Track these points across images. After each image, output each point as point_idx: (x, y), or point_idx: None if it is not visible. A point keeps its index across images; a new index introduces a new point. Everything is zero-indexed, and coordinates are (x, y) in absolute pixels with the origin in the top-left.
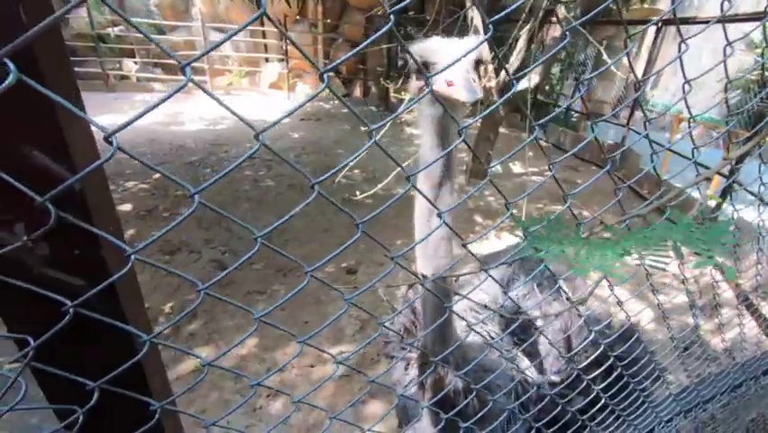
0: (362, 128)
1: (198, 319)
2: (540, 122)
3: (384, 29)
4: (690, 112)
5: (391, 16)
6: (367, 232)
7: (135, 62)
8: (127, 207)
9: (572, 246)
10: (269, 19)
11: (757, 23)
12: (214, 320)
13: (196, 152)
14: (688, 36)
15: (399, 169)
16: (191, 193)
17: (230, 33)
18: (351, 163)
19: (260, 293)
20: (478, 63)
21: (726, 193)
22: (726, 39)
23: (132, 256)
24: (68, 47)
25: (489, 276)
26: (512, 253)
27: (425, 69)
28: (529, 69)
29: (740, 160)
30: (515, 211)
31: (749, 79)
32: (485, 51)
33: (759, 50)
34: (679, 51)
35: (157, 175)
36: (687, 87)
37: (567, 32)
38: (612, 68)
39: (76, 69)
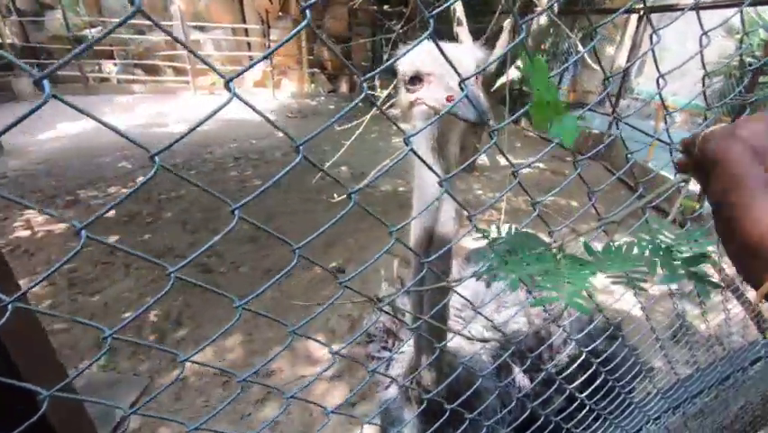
0: (343, 127)
1: (184, 327)
2: (498, 126)
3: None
4: (665, 106)
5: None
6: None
7: (115, 64)
8: (110, 212)
9: (541, 266)
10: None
11: (735, 10)
12: (201, 327)
13: (180, 154)
14: (659, 27)
15: (385, 167)
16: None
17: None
18: (333, 160)
19: (246, 295)
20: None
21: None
22: (702, 28)
23: (10, 306)
24: (43, 49)
25: (457, 293)
26: (479, 269)
27: (418, 80)
28: (514, 63)
29: None
30: (503, 209)
31: (731, 65)
32: (483, 59)
33: (739, 36)
34: (651, 43)
35: (139, 178)
36: (662, 81)
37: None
38: (595, 56)
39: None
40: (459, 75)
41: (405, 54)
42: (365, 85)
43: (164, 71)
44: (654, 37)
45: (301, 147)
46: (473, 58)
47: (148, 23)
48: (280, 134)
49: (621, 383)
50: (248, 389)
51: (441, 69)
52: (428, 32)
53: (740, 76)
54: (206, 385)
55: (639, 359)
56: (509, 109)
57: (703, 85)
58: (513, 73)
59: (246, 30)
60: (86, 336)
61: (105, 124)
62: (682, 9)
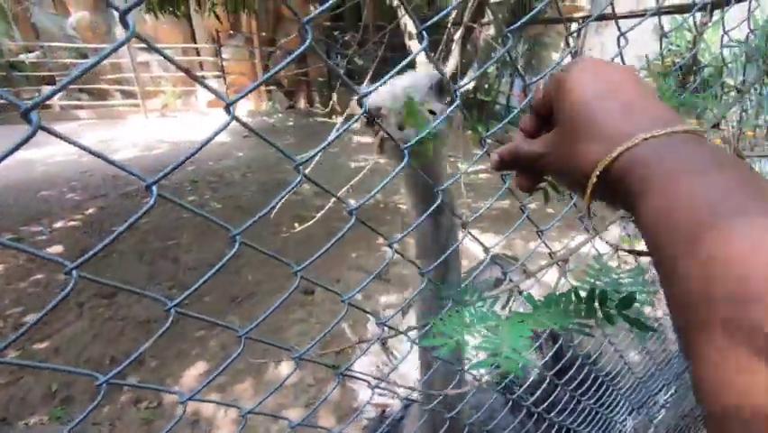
0: (295, 162)
1: (146, 367)
2: (488, 133)
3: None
4: None
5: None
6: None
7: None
8: (57, 248)
9: (483, 325)
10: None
11: (639, 18)
12: (166, 365)
13: (133, 182)
14: (627, 31)
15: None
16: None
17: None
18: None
19: (214, 327)
20: (439, 91)
21: None
22: (619, 30)
23: None
24: None
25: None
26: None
27: (383, 116)
28: (473, 76)
29: None
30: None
31: (666, 66)
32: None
33: (672, 38)
34: (618, 46)
35: (89, 210)
36: None
37: (508, 35)
38: (547, 62)
39: None
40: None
41: (370, 93)
42: (364, 100)
43: (111, 95)
44: (622, 40)
45: (301, 167)
46: (427, 81)
47: (91, 45)
48: (239, 154)
49: (579, 392)
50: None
51: (387, 103)
52: (423, 47)
53: (678, 75)
54: (178, 428)
55: (595, 365)
56: (467, 117)
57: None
58: (469, 84)
59: (197, 50)
60: (37, 385)
61: (94, 153)
62: (634, 16)
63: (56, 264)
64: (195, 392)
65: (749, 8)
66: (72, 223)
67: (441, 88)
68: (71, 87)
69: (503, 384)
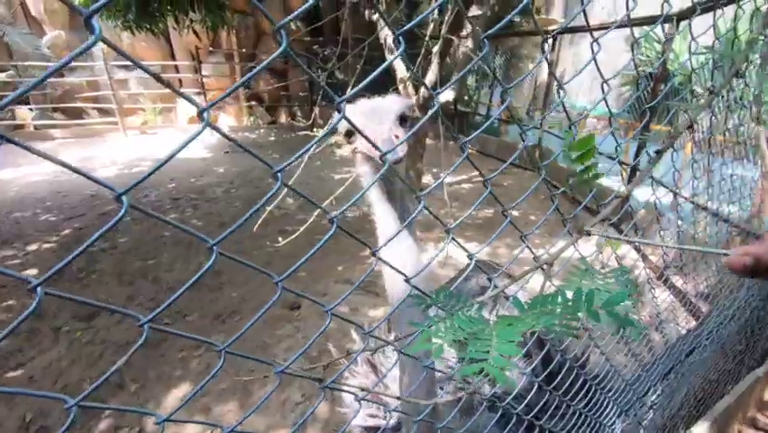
0: (273, 169)
1: (126, 390)
2: (468, 138)
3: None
4: (567, 116)
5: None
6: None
7: (31, 109)
8: (32, 271)
9: (471, 329)
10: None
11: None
12: (146, 388)
13: (111, 202)
14: (599, 36)
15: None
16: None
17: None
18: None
19: (196, 348)
20: (403, 119)
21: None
22: (592, 36)
23: None
24: None
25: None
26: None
27: (352, 133)
28: (450, 82)
29: (639, 151)
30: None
31: (635, 76)
32: (408, 106)
33: (643, 49)
34: (593, 52)
35: (65, 231)
36: (562, 92)
37: (484, 41)
38: (523, 73)
39: None
40: (375, 147)
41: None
42: (342, 105)
43: (88, 114)
44: (595, 46)
45: (280, 174)
46: (398, 106)
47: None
48: (220, 170)
49: (567, 397)
50: None
51: (361, 121)
52: (399, 52)
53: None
54: None
55: (583, 369)
56: (447, 127)
57: (602, 91)
58: (449, 94)
59: (176, 67)
60: (10, 415)
61: (70, 167)
62: (598, 28)
63: (24, 290)
64: (172, 412)
65: (714, 17)
66: (47, 245)
67: (404, 118)
68: (44, 106)
69: (490, 394)
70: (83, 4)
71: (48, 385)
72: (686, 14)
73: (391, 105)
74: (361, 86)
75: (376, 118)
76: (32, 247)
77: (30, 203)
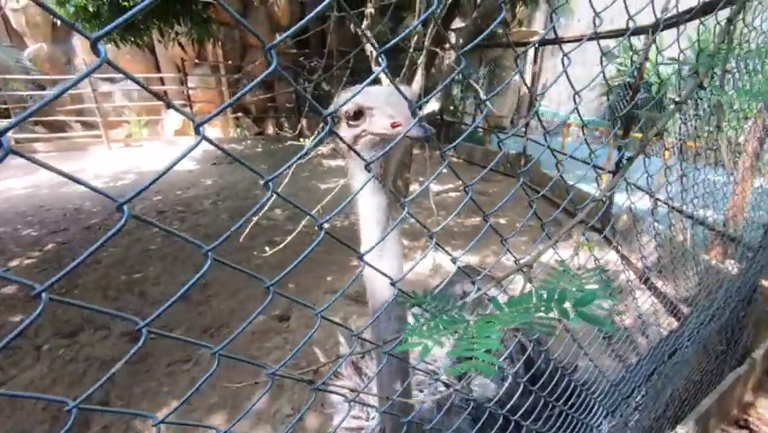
0: (264, 178)
1: (111, 408)
2: (450, 146)
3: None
4: (542, 125)
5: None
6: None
7: None
8: (11, 289)
9: (454, 329)
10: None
11: (621, 38)
12: (131, 405)
13: (96, 215)
14: (569, 51)
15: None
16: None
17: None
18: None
19: (184, 361)
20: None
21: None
22: (562, 50)
23: None
24: None
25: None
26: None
27: (360, 115)
28: (431, 95)
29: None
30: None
31: (614, 85)
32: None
33: (619, 60)
34: (563, 66)
35: (48, 246)
36: (538, 100)
37: (462, 56)
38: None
39: None
40: (408, 101)
41: (352, 97)
42: (330, 119)
43: (71, 127)
44: (566, 60)
45: (271, 183)
46: (407, 93)
47: (50, 77)
48: (207, 182)
49: (553, 398)
50: None
51: (380, 102)
52: (382, 68)
53: (625, 94)
54: None
55: (566, 370)
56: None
57: (574, 101)
58: (433, 105)
59: (162, 79)
60: None
61: (69, 177)
62: (579, 39)
63: (10, 305)
64: (169, 413)
65: (677, 31)
66: (29, 261)
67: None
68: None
69: (474, 398)
70: (67, 15)
71: (29, 405)
72: (655, 28)
73: (405, 90)
74: (350, 97)
75: (394, 99)
76: (14, 263)
77: (9, 218)
